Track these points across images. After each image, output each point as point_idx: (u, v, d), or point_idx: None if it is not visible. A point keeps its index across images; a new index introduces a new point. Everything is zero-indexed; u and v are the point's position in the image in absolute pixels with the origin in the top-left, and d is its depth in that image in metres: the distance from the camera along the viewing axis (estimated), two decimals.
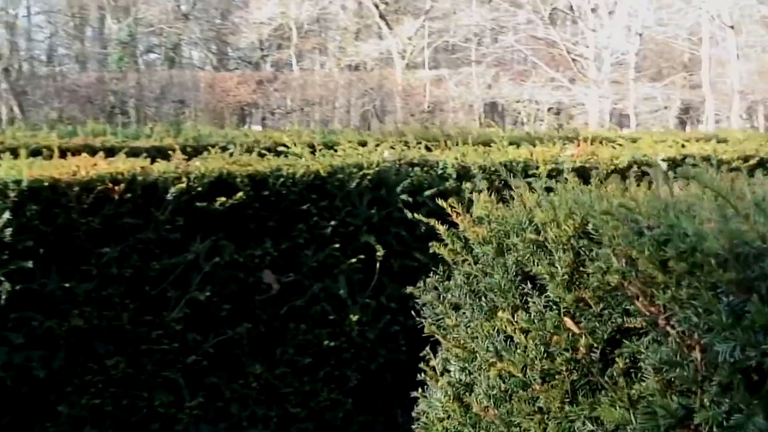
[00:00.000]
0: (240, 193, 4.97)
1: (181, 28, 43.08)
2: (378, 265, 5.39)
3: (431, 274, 3.30)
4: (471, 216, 3.02)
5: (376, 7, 41.73)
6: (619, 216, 2.23)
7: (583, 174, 6.02)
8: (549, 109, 39.90)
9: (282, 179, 5.15)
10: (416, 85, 40.16)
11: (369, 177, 5.41)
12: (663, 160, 6.30)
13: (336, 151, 6.07)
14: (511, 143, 6.81)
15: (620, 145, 7.29)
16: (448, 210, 3.14)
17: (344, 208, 5.34)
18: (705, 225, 2.08)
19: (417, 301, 3.33)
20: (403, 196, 5.47)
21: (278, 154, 5.94)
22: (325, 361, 5.28)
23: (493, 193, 3.07)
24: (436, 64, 44.84)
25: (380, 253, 5.35)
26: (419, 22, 41.65)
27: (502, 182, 5.79)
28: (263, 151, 6.03)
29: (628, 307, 2.27)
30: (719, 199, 2.15)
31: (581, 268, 2.42)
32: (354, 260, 5.31)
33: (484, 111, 41.64)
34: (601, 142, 7.58)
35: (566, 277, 2.44)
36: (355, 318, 5.30)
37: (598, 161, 6.07)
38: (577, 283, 2.42)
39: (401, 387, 5.65)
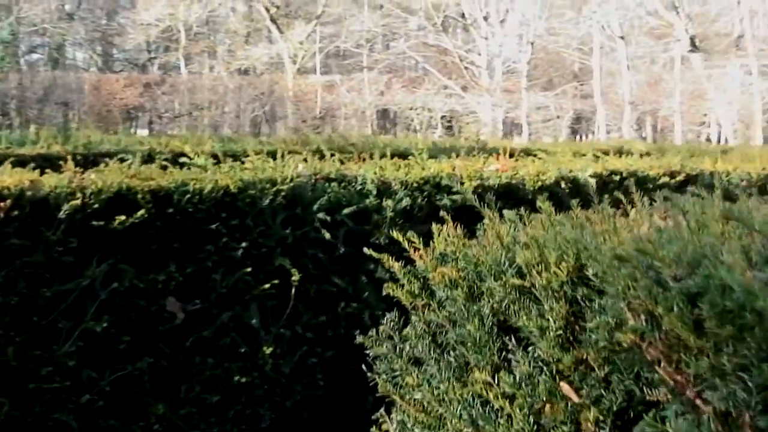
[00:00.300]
0: (141, 211, 4.43)
1: (66, 28, 41.86)
2: (293, 290, 4.90)
3: (385, 320, 2.78)
4: (433, 252, 2.55)
5: (267, 10, 41.21)
6: (635, 261, 1.81)
7: (509, 191, 5.65)
8: (442, 117, 39.85)
9: (188, 195, 4.63)
10: (308, 90, 39.78)
11: (283, 193, 4.92)
12: (591, 176, 5.96)
13: (243, 162, 5.57)
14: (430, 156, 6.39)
15: (540, 158, 6.94)
16: (404, 243, 2.66)
17: (256, 227, 4.84)
18: (746, 275, 1.68)
19: (367, 352, 2.80)
20: (320, 215, 5.00)
21: (180, 165, 5.40)
22: (236, 399, 4.77)
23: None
24: (328, 69, 44.51)
25: (296, 277, 4.86)
26: (311, 26, 41.28)
27: (426, 199, 5.38)
28: (165, 163, 5.49)
29: (645, 374, 1.85)
30: (749, 237, 1.76)
31: (580, 322, 1.99)
32: (267, 285, 4.81)
33: (377, 118, 41.38)
34: (511, 155, 7.22)
35: (561, 332, 2.01)
36: (268, 350, 4.80)
37: (524, 177, 5.70)
38: (576, 340, 1.99)
39: (319, 426, 5.21)
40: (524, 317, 2.06)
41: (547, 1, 40.09)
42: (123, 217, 4.39)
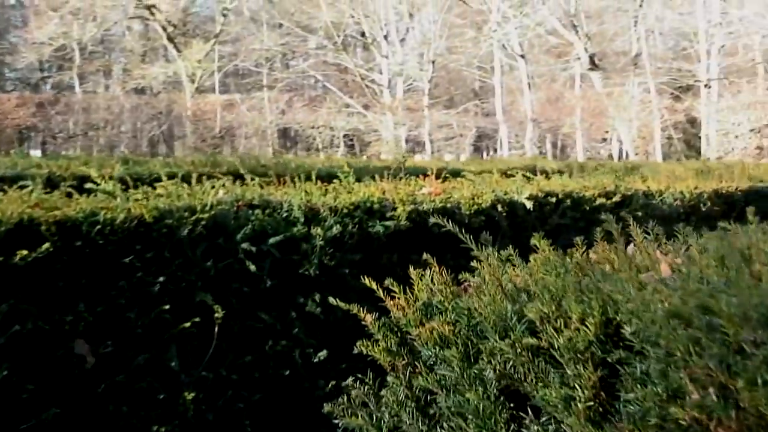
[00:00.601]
0: (46, 245, 3.94)
1: None
2: (217, 328, 4.46)
3: (356, 383, 2.35)
4: (415, 302, 2.14)
5: (164, 29, 40.54)
6: (697, 321, 1.44)
7: (444, 216, 5.30)
8: (345, 136, 39.60)
9: (98, 226, 4.16)
10: (207, 109, 39.21)
11: (203, 222, 4.48)
12: (527, 198, 5.65)
13: (154, 187, 5.11)
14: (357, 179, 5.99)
15: (469, 179, 6.60)
16: (378, 291, 2.25)
17: (175, 260, 4.38)
18: None
19: (336, 422, 2.34)
20: (245, 245, 4.57)
21: (87, 192, 4.91)
22: None
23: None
24: (227, 88, 44.03)
25: (219, 314, 4.41)
26: (209, 45, 40.78)
27: (357, 226, 5.00)
28: (70, 189, 4.99)
29: None
30: None
31: (616, 393, 1.62)
32: (188, 324, 4.34)
33: (278, 137, 40.94)
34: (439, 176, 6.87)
35: (591, 403, 1.63)
36: (190, 395, 4.33)
37: (459, 201, 5.35)
38: (609, 413, 1.62)
39: None
40: (541, 385, 1.68)
41: (447, 20, 40.13)
42: (25, 252, 3.90)
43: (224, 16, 41.11)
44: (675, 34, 46.93)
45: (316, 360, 4.74)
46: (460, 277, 2.47)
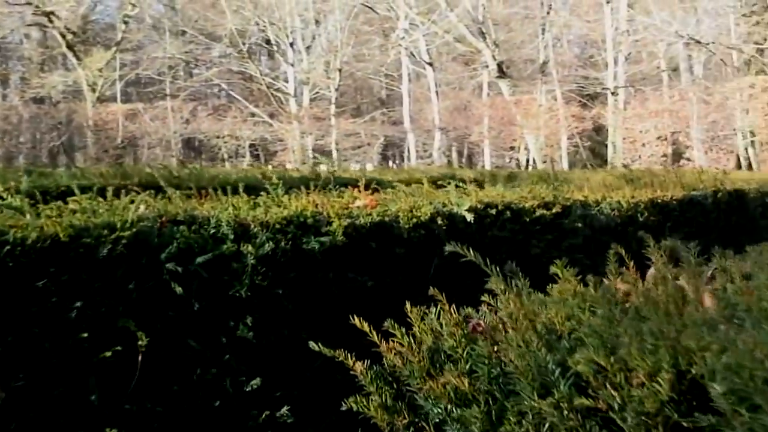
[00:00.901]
0: None
1: None
2: (141, 357, 4.06)
3: None
4: (419, 347, 1.78)
5: (63, 37, 39.53)
6: None
7: (383, 230, 4.98)
8: (251, 145, 39.09)
9: (8, 247, 3.74)
10: (109, 119, 38.40)
11: (124, 241, 4.07)
12: (467, 210, 5.35)
13: (66, 202, 4.68)
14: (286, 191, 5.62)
15: (400, 190, 6.28)
16: (372, 335, 1.88)
17: (93, 283, 3.97)
18: None
19: None
20: (170, 265, 4.17)
21: None
22: None
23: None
24: (129, 97, 43.17)
25: (143, 341, 4.01)
26: (110, 53, 39.97)
27: (290, 242, 4.64)
28: None
29: None
30: None
31: None
32: (109, 353, 3.94)
33: (182, 147, 40.25)
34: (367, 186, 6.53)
35: None
36: (112, 431, 3.94)
37: (397, 214, 5.04)
38: None
39: None
40: None
41: (354, 27, 39.91)
42: None
43: (125, 23, 40.30)
44: (582, 41, 47.48)
45: (248, 389, 4.36)
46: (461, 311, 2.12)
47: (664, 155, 34.96)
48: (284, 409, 4.43)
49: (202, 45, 42.40)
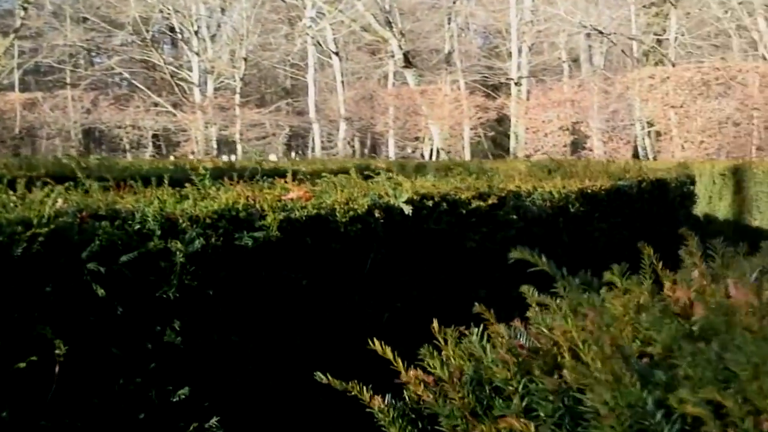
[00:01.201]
0: None
1: None
2: (58, 368, 3.64)
3: None
4: (451, 378, 1.43)
5: None
6: None
7: (319, 224, 4.64)
8: (153, 136, 38.36)
9: None
10: (6, 108, 37.31)
11: (41, 238, 3.66)
12: (405, 202, 5.04)
13: None
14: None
15: (329, 181, 5.92)
16: (397, 363, 1.51)
17: (6, 285, 3.56)
18: None
19: None
20: (91, 265, 3.76)
21: None
22: None
23: None
24: (28, 86, 42.00)
25: (61, 350, 3.60)
26: (8, 41, 38.74)
27: (221, 238, 4.26)
28: None
29: None
30: None
31: None
32: (23, 364, 3.52)
33: (83, 137, 39.30)
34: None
35: None
36: None
37: (333, 206, 4.70)
38: None
39: None
40: None
41: (260, 16, 39.40)
42: None
43: (24, 9, 39.08)
44: (487, 32, 47.69)
45: (175, 399, 3.98)
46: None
47: (566, 145, 35.20)
48: (213, 420, 4.07)
49: (104, 32, 41.49)
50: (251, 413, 4.36)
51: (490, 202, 5.76)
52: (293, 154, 37.66)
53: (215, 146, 37.11)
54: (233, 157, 31.68)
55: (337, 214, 4.67)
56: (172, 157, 31.86)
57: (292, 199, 4.70)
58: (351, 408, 2.03)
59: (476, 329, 1.47)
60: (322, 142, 39.69)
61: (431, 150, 38.51)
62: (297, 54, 41.91)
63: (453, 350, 1.48)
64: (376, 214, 4.89)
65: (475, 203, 5.67)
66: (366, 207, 4.83)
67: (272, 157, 23.68)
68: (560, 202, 6.76)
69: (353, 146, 41.15)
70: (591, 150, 34.60)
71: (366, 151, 43.54)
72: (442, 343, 1.53)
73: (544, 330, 1.43)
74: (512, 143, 38.07)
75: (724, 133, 31.25)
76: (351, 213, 4.74)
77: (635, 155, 33.74)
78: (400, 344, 5.08)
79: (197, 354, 4.10)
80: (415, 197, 5.24)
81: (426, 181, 6.06)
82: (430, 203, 5.33)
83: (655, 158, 31.73)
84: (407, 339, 5.18)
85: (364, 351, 4.95)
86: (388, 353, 1.58)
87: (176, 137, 39.00)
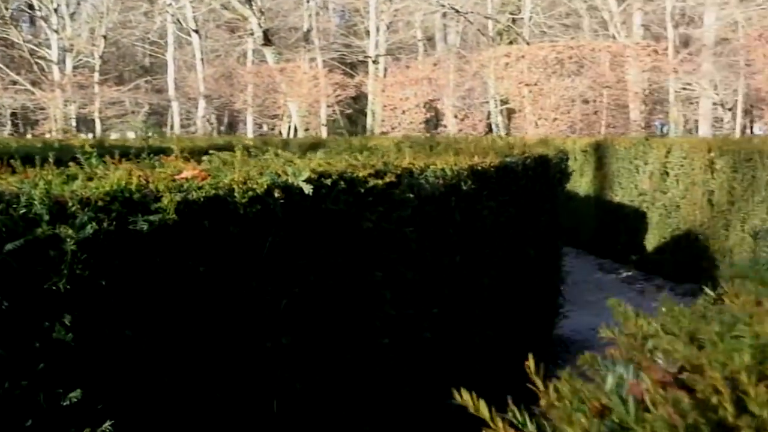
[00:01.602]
0: None
1: None
2: None
3: None
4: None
5: None
6: None
7: (217, 206, 4.30)
8: (12, 114, 37.22)
9: None
10: None
11: None
12: (305, 181, 4.75)
13: None
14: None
15: (218, 158, 5.57)
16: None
17: None
18: None
19: None
20: None
21: None
22: None
23: None
24: None
25: None
26: None
27: (114, 222, 3.88)
28: None
29: None
30: None
31: None
32: None
33: None
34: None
35: None
36: None
37: (231, 186, 4.37)
38: None
39: None
40: None
41: None
42: None
43: None
44: (346, 10, 47.59)
45: (66, 402, 3.59)
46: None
47: (422, 122, 35.36)
48: (107, 425, 3.70)
49: None
50: (148, 415, 4.01)
51: (387, 180, 5.51)
52: (150, 132, 36.90)
53: (74, 124, 36.19)
54: (90, 135, 30.93)
55: (236, 194, 4.35)
56: (29, 135, 30.81)
57: (186, 179, 4.35)
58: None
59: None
60: (180, 120, 39.08)
61: (289, 127, 38.17)
62: (156, 32, 41.23)
63: (563, 404, 1.18)
64: (276, 194, 4.58)
65: (372, 181, 5.41)
66: (265, 187, 4.51)
67: (130, 135, 22.94)
68: (453, 179, 6.57)
69: (212, 124, 40.61)
70: (445, 127, 34.84)
71: (223, 128, 43.08)
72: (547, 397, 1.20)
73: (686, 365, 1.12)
74: (369, 121, 38.08)
75: (576, 111, 31.82)
76: (250, 193, 4.42)
77: (488, 131, 34.12)
78: (301, 335, 4.76)
79: (89, 352, 3.73)
80: (313, 176, 4.95)
81: (319, 159, 5.77)
82: (329, 182, 5.04)
83: (507, 134, 32.05)
84: (307, 329, 4.88)
85: (263, 342, 4.61)
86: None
87: (34, 115, 37.83)
